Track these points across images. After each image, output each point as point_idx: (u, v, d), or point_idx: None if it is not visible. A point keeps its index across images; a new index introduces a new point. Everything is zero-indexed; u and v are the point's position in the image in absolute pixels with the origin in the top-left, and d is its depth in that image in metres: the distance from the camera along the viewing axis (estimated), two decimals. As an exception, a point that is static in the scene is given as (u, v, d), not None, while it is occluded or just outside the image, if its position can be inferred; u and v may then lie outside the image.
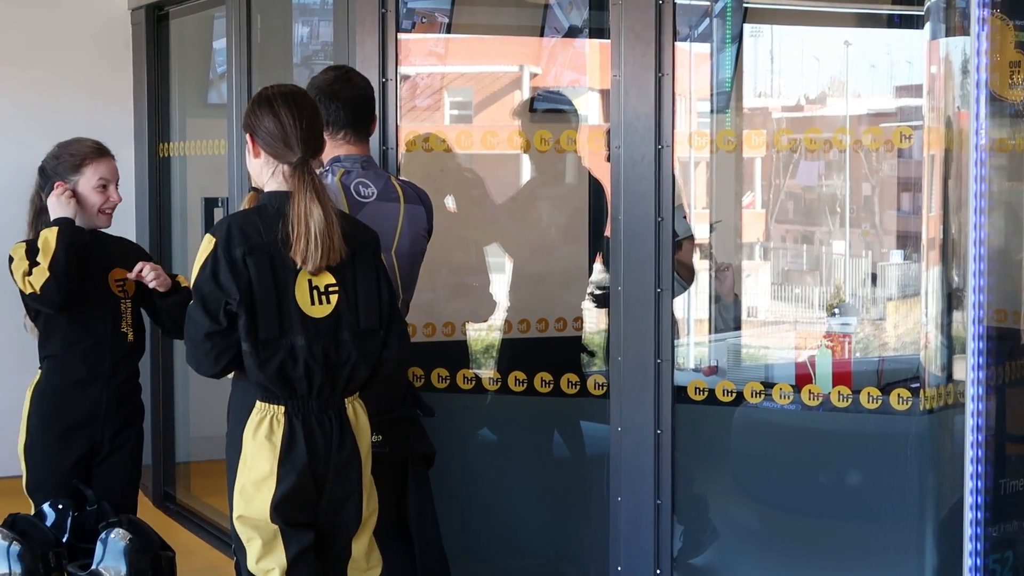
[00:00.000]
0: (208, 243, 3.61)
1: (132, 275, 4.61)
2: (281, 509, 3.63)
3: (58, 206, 4.54)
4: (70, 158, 4.63)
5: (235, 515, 3.70)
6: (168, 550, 4.48)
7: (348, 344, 3.66)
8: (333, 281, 3.65)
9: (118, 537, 4.29)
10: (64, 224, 4.49)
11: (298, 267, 3.60)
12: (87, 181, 4.62)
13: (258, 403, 3.64)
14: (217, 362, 3.62)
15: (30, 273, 4.44)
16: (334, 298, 3.65)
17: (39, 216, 4.64)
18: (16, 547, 4.28)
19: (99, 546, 4.29)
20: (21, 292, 4.52)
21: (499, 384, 5.07)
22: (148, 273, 4.58)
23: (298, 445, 3.62)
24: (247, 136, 3.75)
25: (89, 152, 4.65)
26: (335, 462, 3.67)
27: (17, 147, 6.61)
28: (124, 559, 4.26)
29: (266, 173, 3.72)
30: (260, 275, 3.58)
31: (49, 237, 4.45)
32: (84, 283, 4.53)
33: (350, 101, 4.17)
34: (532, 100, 6.05)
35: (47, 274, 4.41)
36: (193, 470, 7.14)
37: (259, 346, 3.58)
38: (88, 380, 4.62)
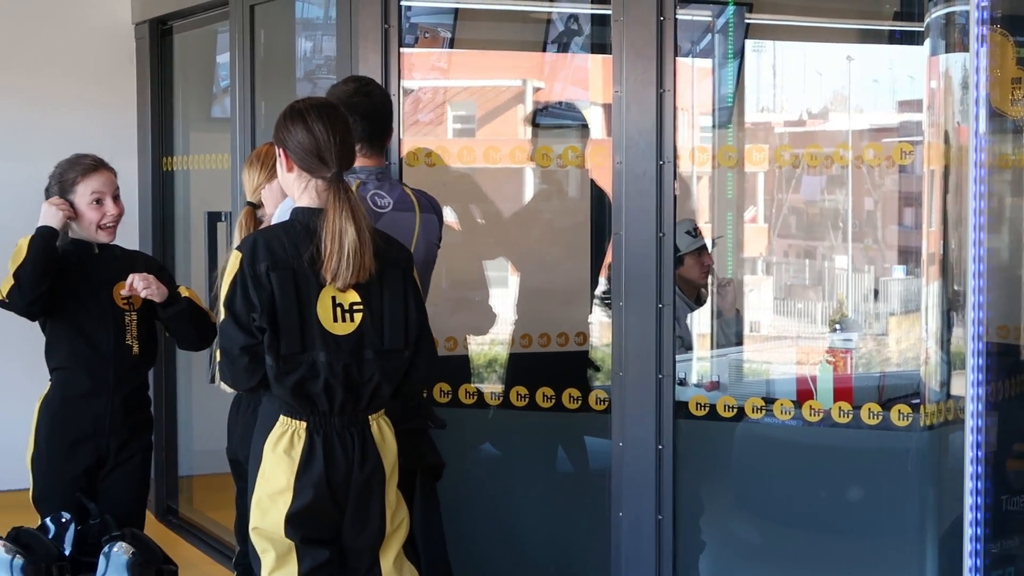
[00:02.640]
0: (235, 259, 3.62)
1: (124, 291, 4.62)
2: (296, 524, 3.63)
3: (46, 214, 4.56)
4: (63, 178, 4.65)
5: (251, 526, 3.70)
6: (171, 564, 4.49)
7: (371, 363, 3.66)
8: (358, 299, 3.65)
9: (121, 551, 4.30)
10: (39, 233, 4.51)
11: (326, 283, 3.61)
12: (81, 197, 4.63)
13: (281, 417, 3.65)
14: (253, 375, 3.62)
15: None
16: (358, 316, 3.65)
17: None
18: (19, 560, 4.29)
19: (102, 560, 4.31)
20: None
21: (501, 399, 5.08)
22: (138, 283, 4.58)
23: (316, 461, 3.62)
24: (279, 150, 3.74)
25: (83, 169, 4.66)
26: (356, 479, 3.67)
27: (22, 161, 6.64)
28: (127, 573, 4.27)
29: (298, 187, 3.71)
30: (283, 291, 3.58)
31: (22, 244, 4.48)
32: (58, 292, 4.55)
33: (368, 114, 4.18)
34: (535, 114, 6.06)
35: (11, 281, 4.44)
36: (196, 484, 7.14)
37: (280, 361, 3.59)
38: (92, 392, 4.63)
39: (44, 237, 4.51)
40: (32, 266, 4.45)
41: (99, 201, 4.66)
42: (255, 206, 4.39)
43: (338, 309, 3.63)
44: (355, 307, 3.65)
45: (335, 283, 3.60)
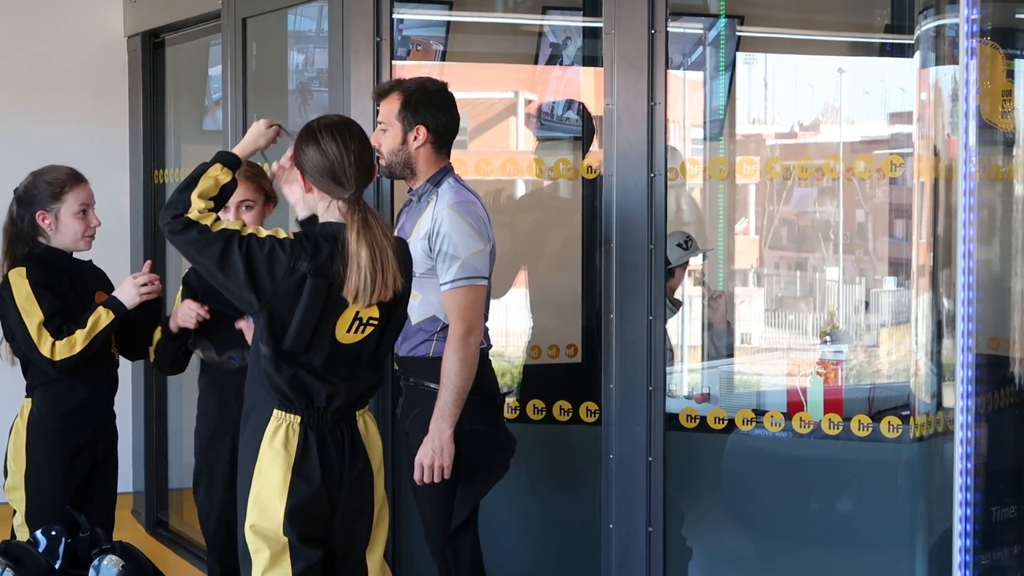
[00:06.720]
0: (288, 235, 3.58)
1: (179, 321, 4.69)
2: (294, 520, 3.62)
3: (129, 294, 4.58)
4: (48, 186, 4.65)
5: (247, 524, 3.67)
6: (160, 576, 4.49)
7: (367, 367, 3.72)
8: (377, 315, 3.67)
9: (111, 564, 4.29)
10: (118, 313, 4.55)
11: (350, 302, 3.61)
12: (68, 208, 4.65)
13: (275, 411, 3.65)
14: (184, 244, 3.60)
15: (52, 330, 4.46)
16: (370, 330, 3.68)
17: (14, 243, 4.65)
18: (9, 573, 4.28)
19: (92, 573, 4.29)
20: (12, 330, 4.52)
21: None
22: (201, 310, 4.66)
23: (311, 456, 3.63)
24: (298, 171, 3.71)
25: (68, 179, 4.68)
26: (348, 476, 3.69)
27: (12, 174, 6.61)
28: (116, 586, 4.26)
29: (322, 206, 3.69)
30: (312, 299, 3.56)
31: (103, 319, 4.51)
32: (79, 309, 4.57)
33: None
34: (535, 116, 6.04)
35: (76, 351, 4.47)
36: (186, 496, 7.12)
37: (279, 355, 3.60)
38: (90, 401, 4.66)
39: (121, 316, 4.56)
40: (101, 344, 4.53)
41: (85, 212, 4.68)
42: None
43: (356, 322, 3.64)
44: (371, 320, 3.66)
45: (357, 302, 3.59)
